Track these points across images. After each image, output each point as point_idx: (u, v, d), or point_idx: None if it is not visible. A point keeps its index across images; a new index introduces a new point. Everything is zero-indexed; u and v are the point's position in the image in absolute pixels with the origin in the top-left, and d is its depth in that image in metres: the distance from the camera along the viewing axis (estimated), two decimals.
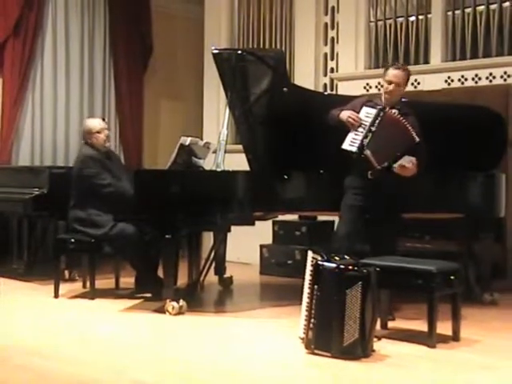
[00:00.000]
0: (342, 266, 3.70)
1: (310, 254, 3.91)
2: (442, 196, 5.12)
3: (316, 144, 5.12)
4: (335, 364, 3.56)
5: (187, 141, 5.25)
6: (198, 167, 5.38)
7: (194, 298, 5.33)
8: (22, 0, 7.02)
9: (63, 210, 5.45)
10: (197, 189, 4.75)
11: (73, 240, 5.30)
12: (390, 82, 4.56)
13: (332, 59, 7.40)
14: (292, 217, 6.77)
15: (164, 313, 4.70)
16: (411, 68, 4.98)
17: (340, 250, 4.07)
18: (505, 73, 6.13)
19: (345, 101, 4.83)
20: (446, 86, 6.44)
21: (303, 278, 3.90)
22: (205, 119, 8.20)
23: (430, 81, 6.49)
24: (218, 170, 4.87)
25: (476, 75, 6.28)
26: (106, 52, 7.95)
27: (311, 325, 3.71)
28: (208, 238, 6.48)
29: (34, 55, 7.25)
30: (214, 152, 5.10)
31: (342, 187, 4.69)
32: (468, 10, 6.34)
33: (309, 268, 3.85)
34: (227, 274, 6.11)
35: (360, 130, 4.54)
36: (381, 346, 3.90)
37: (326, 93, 7.13)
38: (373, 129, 4.52)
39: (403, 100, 4.71)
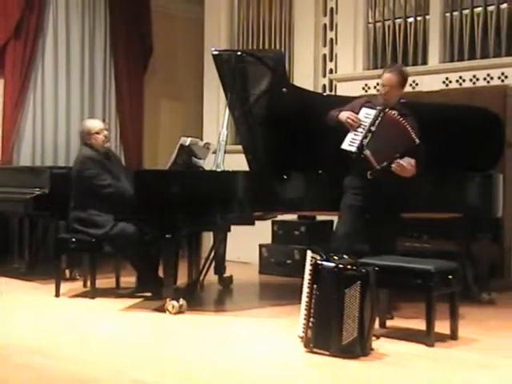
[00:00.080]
0: (340, 266, 3.72)
1: (309, 253, 3.93)
2: (440, 196, 5.14)
3: (315, 144, 5.14)
4: (334, 363, 3.58)
5: (187, 141, 5.27)
6: (198, 167, 5.39)
7: (193, 297, 5.35)
8: (23, 2, 7.04)
9: (64, 210, 5.47)
10: (197, 189, 4.76)
11: (74, 240, 5.32)
12: (383, 85, 4.60)
13: (331, 60, 7.42)
14: (291, 217, 6.80)
15: (164, 312, 4.72)
16: (409, 69, 5.01)
17: (339, 250, 4.08)
18: (502, 74, 6.17)
19: (344, 101, 4.85)
20: (444, 86, 6.46)
21: (302, 278, 3.92)
22: (205, 120, 8.22)
23: (428, 82, 6.51)
24: (218, 170, 4.90)
25: (474, 76, 6.31)
26: (106, 52, 7.97)
27: (310, 324, 3.73)
28: (208, 238, 6.50)
29: (35, 56, 7.27)
30: (214, 152, 5.13)
31: (342, 187, 4.72)
32: (466, 12, 6.37)
33: (308, 267, 3.86)
34: (227, 274, 6.14)
35: (359, 130, 4.56)
36: (379, 344, 3.91)
37: (325, 93, 7.15)
38: (372, 129, 4.54)
39: (402, 101, 4.72)
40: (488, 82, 6.24)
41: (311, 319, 3.73)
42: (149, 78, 8.36)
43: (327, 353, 3.67)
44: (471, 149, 5.23)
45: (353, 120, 4.56)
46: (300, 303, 3.93)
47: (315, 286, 3.74)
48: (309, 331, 3.75)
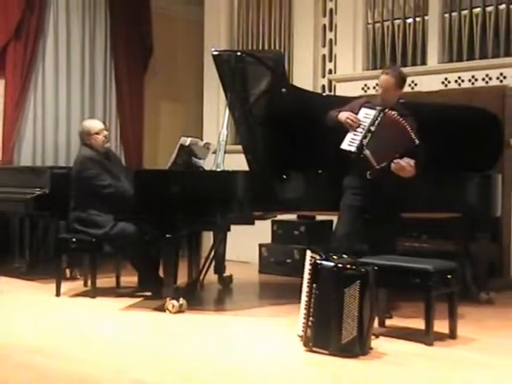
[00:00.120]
0: (340, 265, 3.73)
1: (308, 253, 3.93)
2: (439, 196, 5.15)
3: (315, 144, 5.15)
4: (333, 362, 3.59)
5: (187, 141, 5.28)
6: (198, 167, 5.41)
7: (193, 297, 5.36)
8: (24, 3, 7.05)
9: (64, 210, 5.48)
10: (197, 189, 4.77)
11: (74, 239, 5.33)
12: (380, 86, 4.63)
13: (330, 61, 7.44)
14: (291, 216, 6.81)
15: (164, 311, 4.74)
16: (409, 69, 5.02)
17: (338, 250, 4.09)
18: (501, 74, 6.18)
19: (343, 102, 4.86)
20: (442, 87, 6.48)
21: (302, 277, 3.93)
22: (205, 120, 8.23)
23: (427, 82, 6.52)
24: (218, 170, 4.92)
25: (472, 76, 6.33)
26: (106, 53, 7.99)
27: (310, 323, 3.74)
28: (208, 238, 6.52)
29: (36, 57, 7.29)
30: (214, 152, 5.14)
31: (341, 187, 4.73)
32: (464, 12, 6.38)
33: (307, 267, 3.87)
34: (227, 273, 6.15)
35: (359, 130, 4.57)
36: (378, 343, 3.92)
37: (324, 94, 7.17)
38: (372, 129, 4.55)
39: (401, 101, 4.74)
40: (487, 82, 6.26)
41: (311, 318, 3.74)
42: (149, 78, 8.37)
43: (326, 352, 3.68)
44: (470, 149, 5.24)
45: (352, 120, 4.58)
46: (299, 302, 3.93)
47: (315, 285, 3.75)
48: (308, 330, 3.76)
